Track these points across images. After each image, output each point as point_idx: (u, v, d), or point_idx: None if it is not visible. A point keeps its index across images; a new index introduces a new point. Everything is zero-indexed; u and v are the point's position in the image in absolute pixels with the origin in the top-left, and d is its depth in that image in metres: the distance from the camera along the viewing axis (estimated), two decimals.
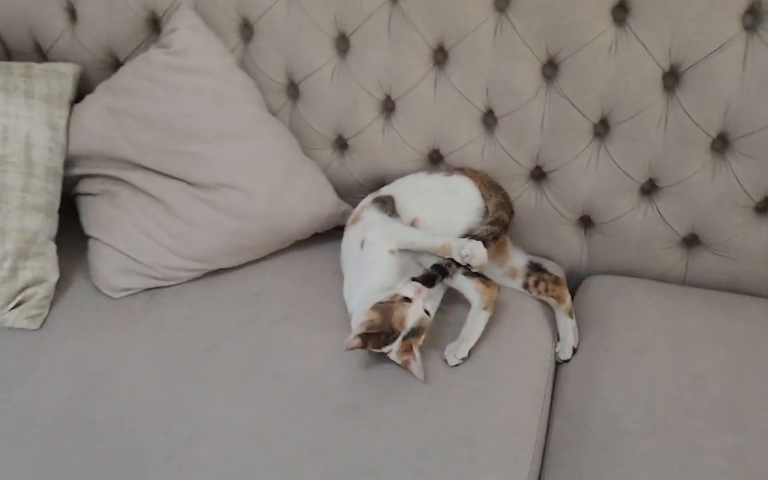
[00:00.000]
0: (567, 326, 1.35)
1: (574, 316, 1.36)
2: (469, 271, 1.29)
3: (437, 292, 1.33)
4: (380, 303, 1.21)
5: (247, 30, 1.52)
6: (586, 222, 1.50)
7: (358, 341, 1.17)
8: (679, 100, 1.32)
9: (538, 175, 1.48)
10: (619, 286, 1.44)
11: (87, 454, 1.09)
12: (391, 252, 1.30)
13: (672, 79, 1.32)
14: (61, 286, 1.44)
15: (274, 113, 1.57)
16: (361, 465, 1.08)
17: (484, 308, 1.28)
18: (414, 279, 1.26)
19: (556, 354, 1.35)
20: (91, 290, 1.44)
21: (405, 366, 1.22)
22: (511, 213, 1.41)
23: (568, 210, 1.48)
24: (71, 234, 1.49)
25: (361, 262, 1.34)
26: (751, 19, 1.26)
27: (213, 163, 1.44)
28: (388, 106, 1.51)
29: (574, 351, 1.34)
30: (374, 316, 1.19)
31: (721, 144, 1.34)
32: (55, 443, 1.11)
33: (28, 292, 1.37)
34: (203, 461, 1.08)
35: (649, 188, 1.42)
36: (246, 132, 1.47)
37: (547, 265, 1.49)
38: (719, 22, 1.26)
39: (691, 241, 1.44)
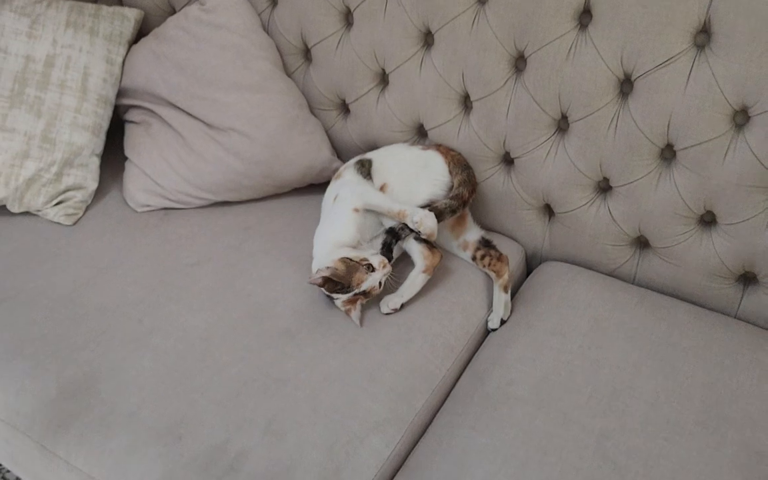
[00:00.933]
0: (500, 299, 1.48)
1: (509, 291, 1.49)
2: (419, 237, 1.45)
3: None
4: (349, 259, 1.38)
5: None
6: (549, 210, 1.61)
7: (320, 280, 1.36)
8: (629, 106, 1.40)
9: (508, 160, 1.60)
10: (566, 274, 1.55)
11: (71, 328, 1.37)
12: (356, 210, 1.48)
13: (622, 86, 1.40)
14: (98, 195, 1.74)
15: (291, 73, 1.79)
16: (273, 374, 1.29)
17: (423, 271, 1.44)
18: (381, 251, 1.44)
19: (487, 323, 1.49)
20: (121, 203, 1.74)
21: (346, 312, 1.41)
22: (472, 191, 1.54)
23: (531, 196, 1.59)
24: (120, 154, 1.79)
25: (330, 213, 1.54)
26: (704, 37, 1.31)
27: (227, 109, 1.68)
28: (383, 79, 1.68)
29: (503, 322, 1.48)
30: (340, 267, 1.38)
31: (665, 154, 1.41)
32: (52, 316, 1.39)
33: (68, 194, 1.68)
34: (156, 348, 1.34)
35: (601, 187, 1.51)
36: (257, 86, 1.69)
37: (508, 244, 1.63)
38: (669, 37, 1.32)
39: (642, 243, 1.52)
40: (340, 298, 1.40)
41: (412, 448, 1.25)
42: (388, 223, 1.48)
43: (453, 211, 1.48)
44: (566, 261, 1.61)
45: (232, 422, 1.21)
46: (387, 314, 1.42)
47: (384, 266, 1.39)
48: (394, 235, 1.45)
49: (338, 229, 1.47)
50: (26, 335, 1.36)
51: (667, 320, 1.41)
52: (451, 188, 1.53)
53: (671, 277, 1.49)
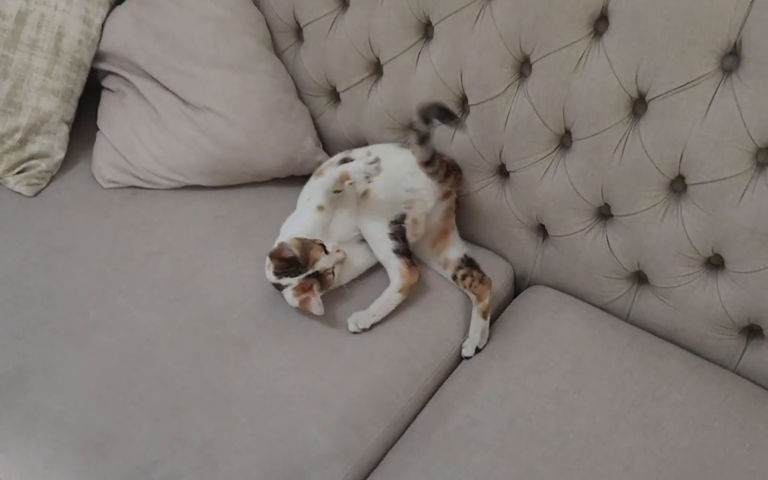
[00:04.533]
0: (477, 325, 1.36)
1: (488, 317, 1.36)
2: (398, 250, 1.33)
3: (362, 264, 1.40)
4: (303, 238, 1.29)
5: None
6: (542, 231, 1.47)
7: (283, 251, 1.26)
8: (639, 129, 1.25)
9: (503, 172, 1.46)
10: (554, 303, 1.42)
11: (11, 312, 1.27)
12: (320, 207, 1.36)
13: (635, 106, 1.25)
14: (66, 166, 1.63)
15: (280, 52, 1.66)
16: (219, 390, 1.18)
17: (399, 290, 1.32)
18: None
19: (461, 349, 1.37)
20: (89, 177, 1.62)
21: (303, 305, 1.28)
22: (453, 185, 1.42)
23: (524, 215, 1.46)
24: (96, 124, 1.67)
25: (296, 212, 1.42)
26: (732, 61, 1.16)
27: (204, 87, 1.55)
28: (377, 69, 1.54)
29: (478, 350, 1.35)
30: (294, 243, 1.27)
31: (675, 186, 1.26)
32: None
33: (32, 163, 1.57)
34: (97, 346, 1.23)
35: (602, 213, 1.37)
36: (238, 64, 1.56)
37: (496, 262, 1.51)
38: (692, 56, 1.17)
39: (640, 279, 1.38)
40: (291, 284, 1.28)
41: None
42: (368, 229, 1.36)
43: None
44: (557, 287, 1.48)
45: (164, 441, 1.10)
46: (354, 333, 1.30)
47: (337, 251, 1.28)
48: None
49: (298, 227, 1.36)
50: None
51: (657, 369, 1.28)
52: (438, 199, 1.41)
53: (668, 320, 1.36)
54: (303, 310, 1.29)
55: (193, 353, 1.24)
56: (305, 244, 1.28)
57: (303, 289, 1.28)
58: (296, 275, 1.27)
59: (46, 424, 1.12)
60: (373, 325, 1.32)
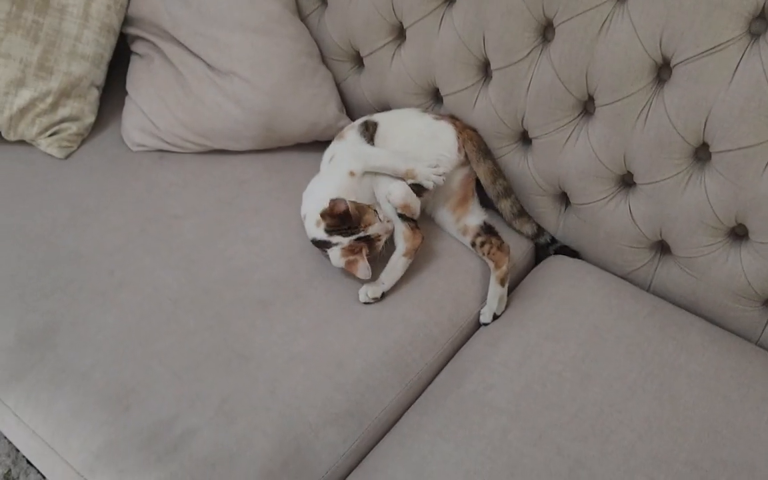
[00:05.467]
0: (495, 292, 1.35)
1: (506, 285, 1.36)
2: (403, 215, 1.33)
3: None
4: (356, 202, 1.28)
5: None
6: (564, 199, 1.46)
7: (338, 206, 1.25)
8: (663, 95, 1.23)
9: (525, 139, 1.45)
10: (574, 272, 1.41)
11: (41, 272, 1.31)
12: (352, 173, 1.37)
13: (659, 71, 1.23)
14: (96, 130, 1.67)
15: (304, 17, 1.66)
16: (238, 349, 1.21)
17: (404, 254, 1.32)
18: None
19: (479, 316, 1.38)
20: (118, 140, 1.66)
21: (349, 267, 1.28)
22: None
23: (546, 182, 1.44)
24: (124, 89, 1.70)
25: (324, 174, 1.43)
26: (761, 25, 1.13)
27: (229, 51, 1.57)
28: (401, 33, 1.53)
29: (496, 317, 1.35)
30: (351, 206, 1.27)
31: (699, 154, 1.24)
32: (25, 255, 1.34)
33: (63, 125, 1.61)
34: (122, 305, 1.27)
35: (624, 181, 1.35)
36: (262, 28, 1.57)
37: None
38: (719, 20, 1.13)
39: (662, 248, 1.37)
40: (341, 243, 1.28)
41: (373, 446, 1.16)
42: (381, 193, 1.36)
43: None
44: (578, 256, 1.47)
45: (185, 397, 1.14)
46: (366, 304, 1.31)
47: (388, 221, 1.28)
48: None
49: (331, 188, 1.35)
50: None
51: (677, 339, 1.26)
52: (457, 166, 1.40)
53: (690, 290, 1.34)
54: (347, 271, 1.29)
55: (215, 313, 1.27)
56: (360, 207, 1.28)
57: (352, 250, 1.28)
58: (347, 235, 1.28)
59: (74, 377, 1.16)
60: (384, 294, 1.31)
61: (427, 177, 1.34)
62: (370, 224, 1.27)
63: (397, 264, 1.32)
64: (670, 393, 1.17)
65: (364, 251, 1.28)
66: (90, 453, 1.08)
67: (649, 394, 1.17)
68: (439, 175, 1.35)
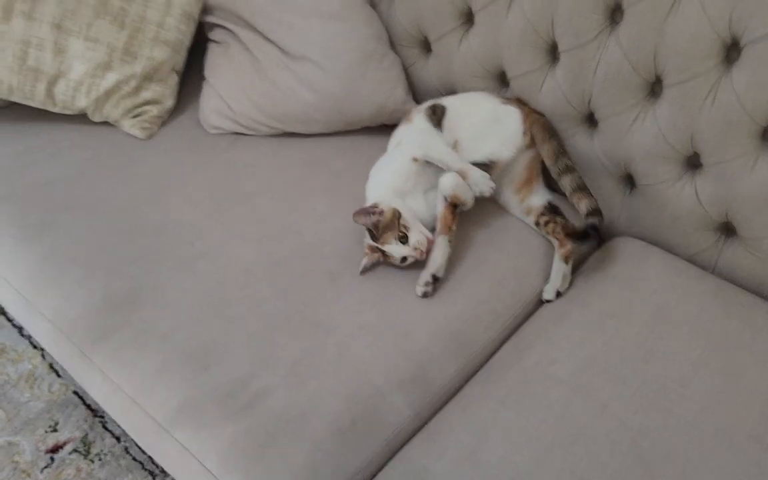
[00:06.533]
0: (559, 270, 1.37)
1: (570, 262, 1.38)
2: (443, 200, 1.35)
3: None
4: (398, 217, 1.32)
5: None
6: (630, 181, 1.47)
7: (356, 215, 1.33)
8: (731, 76, 1.23)
9: (592, 121, 1.47)
10: (639, 252, 1.42)
11: (125, 242, 1.40)
12: (415, 159, 1.41)
13: (728, 51, 1.23)
14: (176, 113, 1.76)
15: (375, 3, 1.71)
16: (308, 316, 1.27)
17: (441, 233, 1.33)
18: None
19: (542, 293, 1.40)
20: (196, 123, 1.75)
21: (364, 253, 1.35)
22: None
23: (612, 164, 1.45)
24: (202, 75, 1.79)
25: (388, 156, 1.48)
26: None
27: (302, 36, 1.63)
28: (469, 18, 1.57)
29: (559, 295, 1.37)
30: (387, 215, 1.32)
31: (767, 135, 1.23)
32: (111, 227, 1.43)
33: (145, 108, 1.71)
34: (200, 273, 1.35)
35: (691, 163, 1.35)
36: (335, 13, 1.63)
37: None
38: None
39: (728, 230, 1.36)
40: (366, 240, 1.35)
41: (436, 412, 1.20)
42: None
43: None
44: (642, 238, 1.47)
45: (259, 357, 1.20)
46: (424, 295, 1.31)
47: (416, 249, 1.31)
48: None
49: (393, 172, 1.41)
50: (83, 243, 1.40)
51: (741, 318, 1.26)
52: (521, 150, 1.43)
53: (756, 273, 1.33)
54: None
55: (286, 283, 1.33)
56: (391, 224, 1.32)
57: (371, 249, 1.34)
58: (372, 237, 1.34)
59: (156, 338, 1.24)
60: (436, 278, 1.31)
61: (476, 183, 1.36)
62: (385, 242, 1.32)
63: (440, 244, 1.32)
64: (734, 369, 1.17)
65: (378, 257, 1.34)
66: (172, 407, 1.16)
67: (712, 369, 1.17)
68: (490, 187, 1.37)
